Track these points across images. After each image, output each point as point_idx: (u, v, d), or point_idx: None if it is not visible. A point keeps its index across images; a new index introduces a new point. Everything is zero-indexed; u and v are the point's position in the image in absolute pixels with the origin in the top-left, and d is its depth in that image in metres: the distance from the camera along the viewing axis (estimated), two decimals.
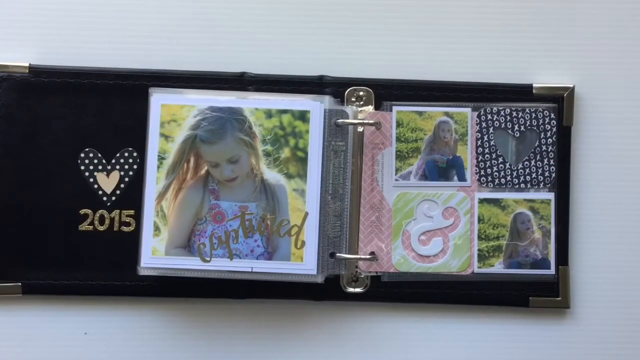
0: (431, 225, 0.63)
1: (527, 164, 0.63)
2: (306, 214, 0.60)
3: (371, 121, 0.62)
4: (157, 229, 0.59)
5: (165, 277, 0.60)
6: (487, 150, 0.63)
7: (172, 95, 0.60)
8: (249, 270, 0.59)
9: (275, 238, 0.59)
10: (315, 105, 0.60)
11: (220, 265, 0.59)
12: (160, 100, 0.60)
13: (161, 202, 0.59)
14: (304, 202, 0.60)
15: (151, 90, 0.60)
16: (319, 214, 0.60)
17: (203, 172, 0.60)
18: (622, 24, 0.65)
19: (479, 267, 0.62)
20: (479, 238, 0.62)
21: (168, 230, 0.59)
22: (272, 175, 0.60)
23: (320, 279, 0.60)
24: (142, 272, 0.59)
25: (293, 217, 0.60)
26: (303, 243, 0.59)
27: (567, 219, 0.63)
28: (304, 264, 0.59)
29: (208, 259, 0.59)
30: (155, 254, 0.59)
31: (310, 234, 0.59)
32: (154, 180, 0.59)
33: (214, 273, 0.60)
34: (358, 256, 0.62)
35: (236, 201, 0.60)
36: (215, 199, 0.60)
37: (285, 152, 0.60)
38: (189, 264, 0.59)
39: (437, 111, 0.63)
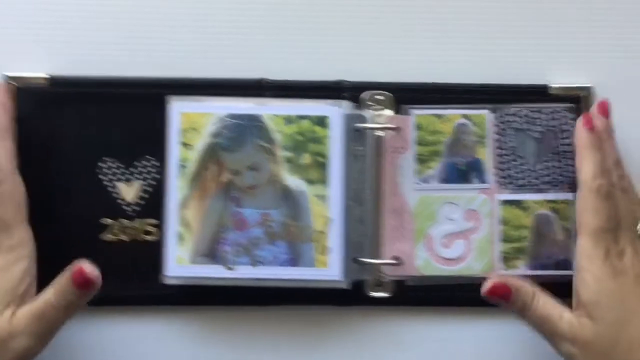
0: (453, 228, 0.63)
1: (546, 165, 0.63)
2: (329, 219, 0.60)
3: (390, 125, 0.62)
4: (180, 237, 0.59)
5: (188, 286, 0.60)
6: (506, 152, 0.63)
7: (191, 103, 0.60)
8: (274, 277, 0.59)
9: (299, 244, 0.59)
10: (334, 111, 0.60)
11: (244, 272, 0.59)
12: (179, 109, 0.60)
13: (184, 211, 0.59)
14: (327, 208, 0.60)
15: (170, 98, 0.60)
16: (342, 219, 0.60)
17: (224, 179, 0.60)
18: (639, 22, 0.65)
19: (503, 269, 0.62)
20: (502, 240, 0.62)
21: (192, 239, 0.59)
22: (293, 181, 0.60)
23: (345, 285, 0.60)
24: (168, 281, 0.60)
25: (316, 223, 0.60)
26: (327, 249, 0.59)
27: None
28: (329, 269, 0.59)
29: (232, 266, 0.59)
30: (180, 263, 0.59)
31: (334, 240, 0.59)
32: (175, 189, 0.59)
33: (238, 281, 0.60)
34: (382, 261, 0.62)
35: (258, 208, 0.60)
36: (237, 207, 0.60)
37: (306, 158, 0.60)
38: (213, 272, 0.59)
39: (455, 114, 0.63)
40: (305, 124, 0.60)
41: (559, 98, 0.63)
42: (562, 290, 0.62)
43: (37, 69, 0.63)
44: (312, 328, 0.63)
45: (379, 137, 0.62)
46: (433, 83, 0.64)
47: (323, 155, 0.60)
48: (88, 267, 0.55)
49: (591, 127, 0.58)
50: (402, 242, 0.62)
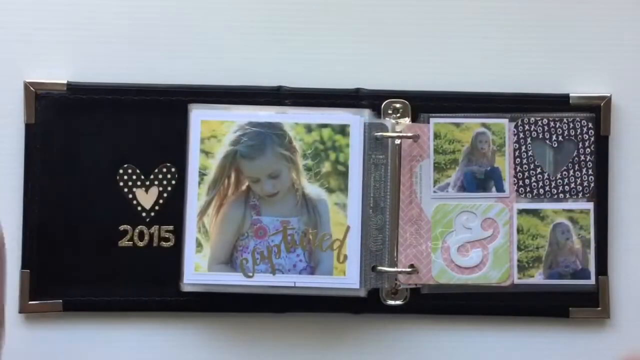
0: (470, 237, 0.63)
1: (565, 174, 0.63)
2: (348, 227, 0.60)
3: (410, 134, 0.62)
4: (199, 245, 0.59)
5: (205, 292, 0.60)
6: (525, 161, 0.63)
7: (211, 111, 0.60)
8: (292, 285, 0.59)
9: (318, 252, 0.60)
10: (355, 119, 0.60)
11: (263, 280, 0.59)
12: (200, 117, 0.60)
13: (203, 219, 0.59)
14: (346, 216, 0.60)
15: (191, 106, 0.60)
16: (360, 227, 0.60)
17: (244, 187, 0.60)
18: None
19: (519, 278, 0.62)
20: (519, 249, 0.62)
21: (210, 247, 0.59)
22: (313, 189, 0.60)
23: (362, 293, 0.60)
24: (186, 288, 0.60)
25: (335, 231, 0.60)
26: (345, 257, 0.59)
27: (606, 228, 0.63)
28: (347, 277, 0.59)
29: (251, 274, 0.59)
30: (198, 270, 0.59)
31: (353, 248, 0.59)
32: (195, 197, 0.59)
33: (257, 288, 0.60)
34: (399, 269, 0.62)
35: (278, 216, 0.60)
36: (256, 215, 0.60)
37: (326, 166, 0.60)
38: (231, 280, 0.59)
39: (474, 122, 0.63)
40: (326, 132, 0.60)
41: (579, 107, 0.63)
42: (578, 300, 0.63)
43: (57, 76, 0.63)
44: (328, 335, 0.63)
45: (397, 145, 0.62)
46: (452, 91, 0.64)
47: (343, 164, 0.60)
48: None
49: None
50: (419, 250, 0.62)
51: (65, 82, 0.62)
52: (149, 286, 0.62)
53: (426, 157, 0.63)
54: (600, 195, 0.63)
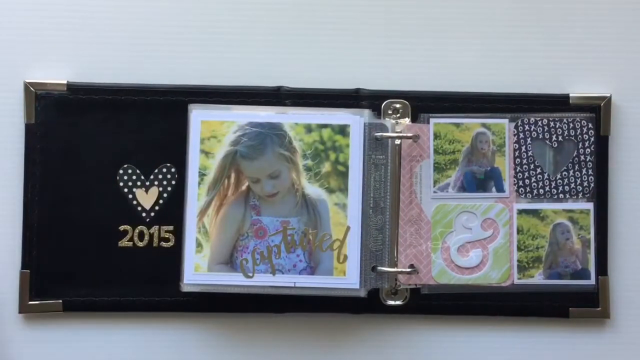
0: (470, 237, 0.63)
1: (565, 174, 0.63)
2: (348, 228, 0.60)
3: (410, 134, 0.62)
4: (199, 245, 0.59)
5: (205, 293, 0.60)
6: (525, 161, 0.63)
7: (211, 111, 0.60)
8: (292, 285, 0.59)
9: (318, 252, 0.60)
10: (355, 119, 0.60)
11: (263, 280, 0.59)
12: (200, 117, 0.60)
13: (203, 219, 0.59)
14: (346, 216, 0.60)
15: (191, 106, 0.60)
16: (360, 227, 0.60)
17: (244, 187, 0.60)
18: None
19: (519, 278, 0.62)
20: (519, 249, 0.62)
21: (210, 247, 0.59)
22: (313, 189, 0.60)
23: (363, 293, 0.60)
24: (185, 288, 0.60)
25: (335, 231, 0.60)
26: (345, 257, 0.59)
27: (606, 228, 0.63)
28: (347, 278, 0.59)
29: (251, 274, 0.59)
30: (198, 271, 0.59)
31: (353, 248, 0.60)
32: (195, 197, 0.59)
33: (257, 289, 0.60)
34: (399, 269, 0.62)
35: (278, 216, 0.60)
36: (256, 215, 0.60)
37: (326, 167, 0.60)
38: (231, 280, 0.59)
39: (474, 122, 0.63)
40: (326, 132, 0.60)
41: (579, 107, 0.63)
42: (578, 300, 0.63)
43: (57, 76, 0.63)
44: (328, 335, 0.64)
45: (397, 145, 0.62)
46: (452, 92, 0.64)
47: (343, 164, 0.60)
48: None
49: None
50: (419, 250, 0.62)
51: (65, 82, 0.62)
52: (149, 286, 0.62)
53: (426, 158, 0.63)
54: (600, 195, 0.63)
